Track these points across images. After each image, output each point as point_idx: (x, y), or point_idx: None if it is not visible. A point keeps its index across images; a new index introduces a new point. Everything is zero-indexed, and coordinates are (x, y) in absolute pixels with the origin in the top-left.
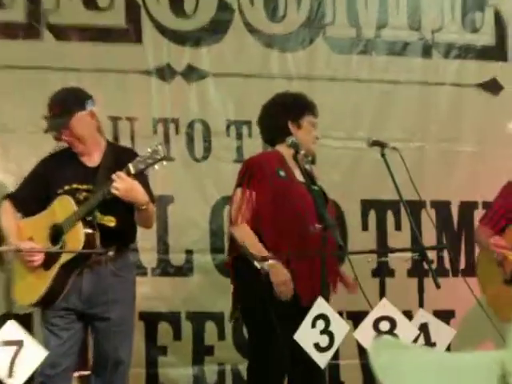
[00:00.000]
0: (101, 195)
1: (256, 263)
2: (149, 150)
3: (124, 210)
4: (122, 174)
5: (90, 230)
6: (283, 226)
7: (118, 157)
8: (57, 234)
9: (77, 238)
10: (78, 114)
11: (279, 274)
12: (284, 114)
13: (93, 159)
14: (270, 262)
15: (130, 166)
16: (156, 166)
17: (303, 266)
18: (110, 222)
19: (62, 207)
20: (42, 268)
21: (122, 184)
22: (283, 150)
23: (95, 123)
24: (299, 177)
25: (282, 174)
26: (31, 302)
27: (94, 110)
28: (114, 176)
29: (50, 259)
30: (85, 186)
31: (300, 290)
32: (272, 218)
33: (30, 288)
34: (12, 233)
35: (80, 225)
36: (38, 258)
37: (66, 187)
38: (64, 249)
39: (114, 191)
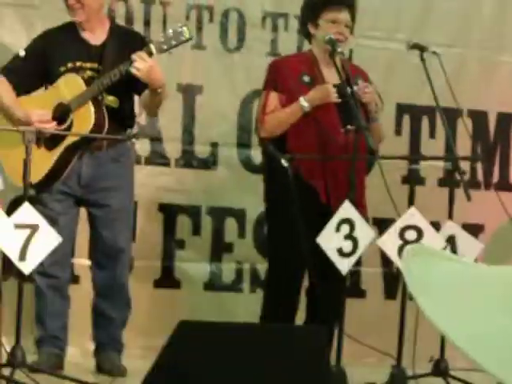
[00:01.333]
0: (117, 74)
1: (281, 159)
2: (171, 29)
3: (126, 90)
4: (143, 53)
5: (99, 110)
6: (303, 132)
7: (125, 37)
8: (62, 113)
9: (86, 117)
10: None
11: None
12: (304, 13)
13: (97, 37)
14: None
15: (152, 45)
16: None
17: (326, 169)
18: (113, 102)
19: (69, 85)
20: (45, 148)
21: (144, 64)
22: (316, 49)
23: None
24: (332, 78)
25: (306, 79)
26: (32, 182)
27: None
28: (134, 56)
29: (53, 139)
30: (89, 65)
31: (322, 189)
32: (294, 124)
33: (31, 168)
34: (16, 106)
35: (90, 104)
36: (50, 125)
37: (70, 65)
38: (72, 128)
39: (134, 71)
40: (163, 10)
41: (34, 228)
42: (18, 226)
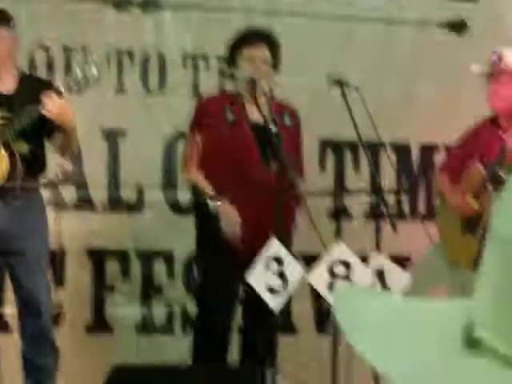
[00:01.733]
0: (27, 117)
1: (208, 201)
2: (78, 68)
3: (38, 136)
4: (52, 94)
5: (11, 156)
6: (224, 169)
7: (34, 85)
8: None
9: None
10: (3, 30)
11: (230, 214)
12: (226, 55)
13: (5, 85)
14: (217, 201)
15: (61, 85)
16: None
17: (246, 211)
18: (23, 147)
19: None
20: None
21: (54, 105)
22: (240, 88)
23: (14, 49)
24: (256, 116)
25: (230, 116)
26: None
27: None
28: (43, 97)
29: None
30: None
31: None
32: (215, 163)
33: None
34: None
35: (2, 150)
36: None
37: None
38: None
39: (45, 113)
40: (84, 56)
41: None
42: None
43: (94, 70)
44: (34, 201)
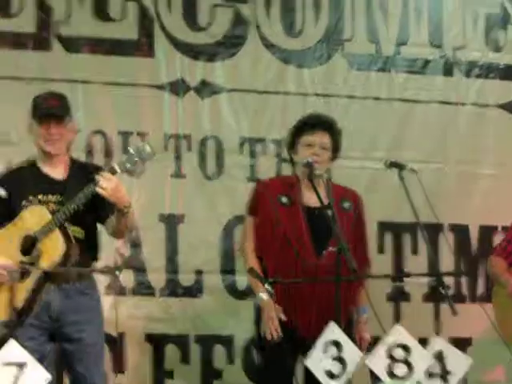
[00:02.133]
0: (82, 198)
1: (264, 284)
2: (132, 148)
3: (90, 220)
4: (107, 173)
5: (67, 238)
6: (277, 253)
7: (84, 170)
8: (29, 245)
9: (55, 246)
10: (72, 120)
11: (268, 309)
12: (286, 141)
13: (57, 172)
14: (261, 295)
15: (115, 164)
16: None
17: (294, 296)
18: (78, 233)
19: (34, 217)
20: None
21: (109, 183)
22: (298, 173)
23: (72, 139)
24: (312, 201)
25: (285, 200)
26: (3, 318)
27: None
28: (98, 176)
29: (22, 272)
30: (51, 198)
31: (298, 321)
32: (268, 245)
33: (2, 304)
34: None
35: (58, 232)
36: (6, 277)
37: (31, 197)
38: (40, 259)
39: (100, 191)
40: (141, 141)
41: (21, 366)
42: (5, 364)
43: (148, 148)
44: (86, 285)
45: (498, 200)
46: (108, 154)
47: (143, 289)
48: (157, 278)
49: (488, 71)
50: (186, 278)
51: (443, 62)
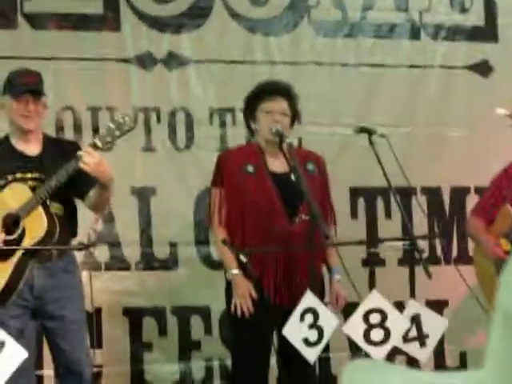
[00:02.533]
0: (64, 174)
1: (239, 256)
2: (111, 122)
3: (69, 196)
4: (89, 148)
5: (49, 215)
6: (247, 223)
7: (59, 146)
8: (12, 222)
9: (38, 222)
10: (39, 106)
11: (240, 287)
12: (244, 110)
13: (32, 148)
14: (232, 272)
15: (97, 139)
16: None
17: (269, 264)
18: (58, 209)
19: (15, 195)
20: None
21: (92, 158)
22: (260, 141)
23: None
24: (276, 167)
25: (250, 169)
26: None
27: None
28: (80, 152)
29: (6, 250)
30: (29, 175)
31: (269, 290)
32: (238, 215)
33: None
34: None
35: (40, 209)
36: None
37: (10, 177)
38: (24, 236)
39: (83, 166)
40: (110, 116)
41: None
42: None
43: (128, 121)
44: (68, 262)
45: (470, 161)
46: (78, 129)
47: (118, 263)
48: (131, 251)
49: (454, 33)
50: (160, 251)
51: (409, 26)
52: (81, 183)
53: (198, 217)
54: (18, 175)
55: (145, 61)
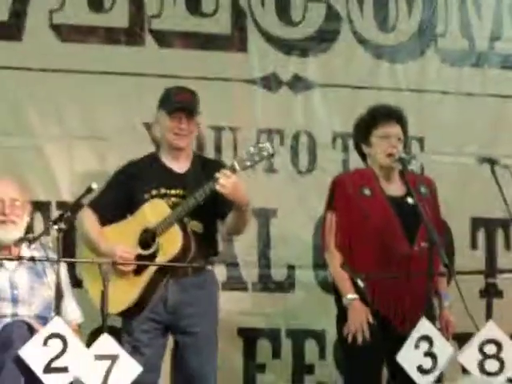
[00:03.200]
0: (202, 194)
1: (357, 280)
2: (252, 147)
3: (210, 216)
4: (226, 171)
5: (185, 231)
6: (367, 246)
7: (206, 165)
8: (148, 238)
9: (173, 240)
10: (192, 124)
11: (357, 313)
12: (356, 134)
13: (180, 165)
14: (349, 297)
15: (236, 162)
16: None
17: (387, 288)
18: (197, 228)
19: (155, 211)
20: (133, 273)
21: (229, 181)
22: (374, 166)
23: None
24: (392, 192)
25: (367, 192)
26: (119, 309)
27: None
28: (218, 174)
29: (140, 266)
30: (173, 191)
31: (387, 313)
32: (357, 238)
33: (119, 295)
34: (101, 240)
35: (177, 227)
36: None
37: (154, 192)
38: (159, 252)
39: (219, 188)
40: (233, 136)
41: (113, 359)
42: (97, 357)
43: (270, 148)
44: (204, 279)
45: None
46: (200, 148)
47: (236, 283)
48: (249, 272)
49: None
50: (278, 273)
51: None
52: (222, 204)
53: (317, 240)
54: (162, 191)
55: (270, 82)
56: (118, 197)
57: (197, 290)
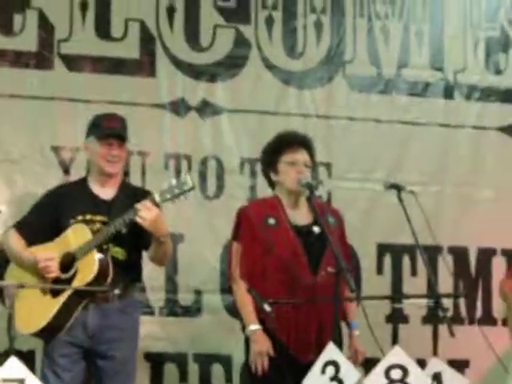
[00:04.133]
0: (122, 223)
1: (263, 305)
2: (174, 179)
3: (133, 243)
4: (147, 202)
5: (103, 258)
6: (271, 275)
7: (133, 193)
8: (69, 261)
9: (90, 265)
10: (122, 151)
11: (258, 344)
12: (263, 162)
13: (107, 192)
14: (251, 328)
15: (156, 195)
16: (182, 197)
17: (291, 317)
18: (119, 254)
19: (77, 235)
20: (50, 295)
21: (149, 213)
22: (281, 194)
23: None
24: (298, 220)
25: (272, 221)
26: (35, 329)
27: None
28: (138, 205)
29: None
30: (99, 218)
31: (291, 344)
32: (261, 268)
33: (35, 315)
34: (24, 251)
35: (94, 252)
36: (55, 267)
37: (79, 217)
38: (76, 276)
39: (139, 220)
40: (142, 161)
41: (21, 383)
42: (5, 381)
43: (190, 181)
44: (126, 304)
45: (497, 223)
46: None
47: (143, 308)
48: (156, 297)
49: (488, 94)
50: (185, 298)
51: (444, 85)
52: (144, 235)
53: (224, 265)
54: (88, 217)
55: (178, 107)
56: (44, 219)
57: (119, 315)
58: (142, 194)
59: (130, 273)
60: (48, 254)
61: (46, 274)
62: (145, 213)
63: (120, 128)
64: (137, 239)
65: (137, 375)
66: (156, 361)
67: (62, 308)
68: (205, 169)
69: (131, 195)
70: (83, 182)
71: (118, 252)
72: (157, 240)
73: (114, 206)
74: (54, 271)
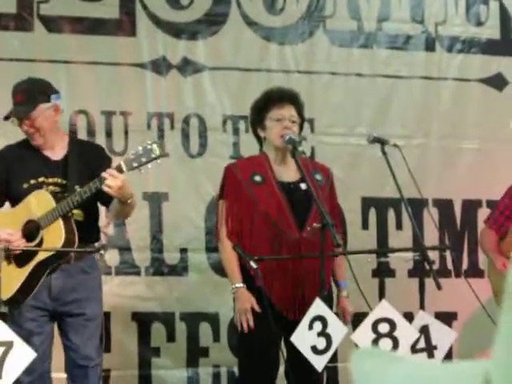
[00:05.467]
0: (87, 192)
1: (250, 261)
2: (141, 147)
3: (93, 203)
4: (113, 171)
5: (69, 226)
6: (257, 232)
7: (85, 150)
8: (32, 230)
9: (57, 234)
10: (41, 106)
11: (240, 301)
12: (251, 119)
13: (56, 152)
14: (235, 285)
15: (122, 163)
16: (149, 165)
17: (278, 273)
18: (79, 216)
19: (40, 202)
20: (15, 265)
21: (115, 181)
22: (269, 150)
23: (57, 118)
24: (285, 176)
25: (258, 179)
26: (5, 297)
27: (59, 104)
28: (105, 174)
29: (24, 256)
30: (51, 180)
31: (277, 301)
32: (248, 225)
33: (3, 284)
34: None
35: (60, 221)
36: (18, 239)
37: (32, 181)
38: (43, 245)
39: (105, 189)
40: (124, 121)
41: (8, 345)
42: None
43: (157, 150)
44: (87, 264)
45: (482, 174)
46: (91, 133)
47: (128, 268)
48: (142, 256)
49: (469, 46)
50: (171, 257)
51: (425, 38)
52: (105, 194)
53: (209, 223)
54: (40, 179)
55: (160, 66)
56: None
57: (81, 275)
58: (95, 149)
59: (89, 233)
60: (11, 231)
61: (10, 246)
62: (111, 181)
63: (21, 102)
64: (95, 198)
65: (124, 335)
66: (143, 320)
67: (29, 276)
68: (187, 127)
69: (82, 152)
70: (28, 143)
71: (79, 214)
72: (123, 203)
73: (68, 166)
74: (20, 244)
